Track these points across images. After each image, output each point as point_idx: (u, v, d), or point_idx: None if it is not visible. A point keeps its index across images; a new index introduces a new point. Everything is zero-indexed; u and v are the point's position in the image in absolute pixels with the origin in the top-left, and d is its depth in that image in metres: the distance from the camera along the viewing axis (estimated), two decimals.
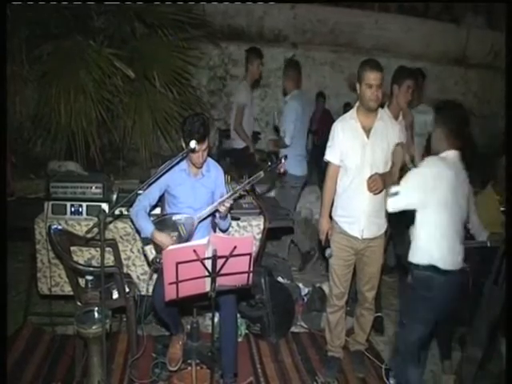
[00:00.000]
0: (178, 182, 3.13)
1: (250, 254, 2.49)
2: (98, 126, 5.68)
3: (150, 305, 3.46)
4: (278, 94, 8.12)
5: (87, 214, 3.54)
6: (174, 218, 3.09)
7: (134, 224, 3.17)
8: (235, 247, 2.44)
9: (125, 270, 3.53)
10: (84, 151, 5.50)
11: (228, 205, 3.04)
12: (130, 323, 3.24)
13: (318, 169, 6.44)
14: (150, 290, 3.38)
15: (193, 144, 2.70)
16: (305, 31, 8.12)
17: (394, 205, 2.78)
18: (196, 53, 6.83)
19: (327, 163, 3.31)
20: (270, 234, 3.79)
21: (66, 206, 3.53)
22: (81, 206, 3.55)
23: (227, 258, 2.45)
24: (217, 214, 3.17)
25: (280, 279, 4.12)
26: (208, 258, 2.45)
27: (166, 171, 3.00)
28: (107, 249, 3.51)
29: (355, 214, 3.19)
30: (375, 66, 3.05)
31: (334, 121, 4.98)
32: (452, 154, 2.74)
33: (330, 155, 3.27)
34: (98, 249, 3.50)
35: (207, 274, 2.49)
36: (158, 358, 3.31)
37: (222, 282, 2.56)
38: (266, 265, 4.03)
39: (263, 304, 3.64)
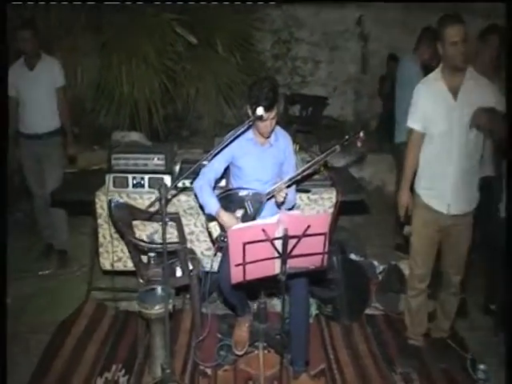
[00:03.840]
0: (243, 152, 2.88)
1: (325, 234, 2.22)
2: (161, 94, 5.54)
3: (214, 282, 3.27)
4: (346, 57, 7.67)
5: (149, 187, 3.37)
6: (241, 193, 2.86)
7: (197, 199, 2.96)
8: (309, 226, 2.17)
9: (188, 245, 3.36)
10: (147, 121, 5.39)
11: (284, 194, 2.76)
12: (193, 303, 3.08)
13: (389, 136, 6.01)
14: (215, 266, 3.21)
15: (260, 111, 2.42)
16: None
17: None
18: (259, 16, 6.51)
19: (409, 130, 2.96)
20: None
21: (127, 178, 3.38)
22: (143, 178, 3.38)
23: (299, 238, 2.19)
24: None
25: (353, 256, 3.83)
26: (278, 239, 2.20)
27: (231, 141, 2.76)
28: (170, 223, 3.35)
29: (441, 186, 2.84)
30: (456, 20, 2.68)
31: None
32: None
33: (413, 121, 2.93)
34: (161, 223, 3.36)
35: (277, 255, 2.25)
36: (224, 339, 3.15)
37: (293, 263, 2.31)
38: (338, 240, 3.74)
39: (336, 284, 3.37)
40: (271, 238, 2.18)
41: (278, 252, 2.24)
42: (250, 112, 2.73)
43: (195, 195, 2.99)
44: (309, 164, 2.81)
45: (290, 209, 3.14)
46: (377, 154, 6.11)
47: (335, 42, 7.64)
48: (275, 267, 2.31)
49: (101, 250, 3.43)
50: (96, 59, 5.54)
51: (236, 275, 2.27)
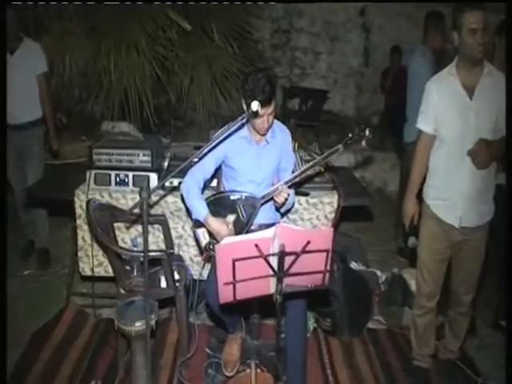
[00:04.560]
0: (237, 151, 2.59)
1: (327, 251, 1.94)
2: (153, 83, 5.24)
3: (204, 290, 2.98)
4: (348, 49, 7.37)
5: (134, 186, 3.08)
6: (233, 196, 2.57)
7: (184, 201, 2.68)
8: (309, 242, 1.88)
9: (176, 250, 3.08)
10: (138, 111, 5.09)
11: (285, 195, 2.46)
12: (180, 317, 2.77)
13: (392, 133, 5.74)
14: (204, 273, 2.94)
15: (255, 106, 2.09)
16: None
17: None
18: (258, 3, 6.18)
19: (418, 132, 2.68)
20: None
21: (110, 175, 3.08)
22: (127, 175, 3.09)
23: (298, 255, 1.91)
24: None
25: (353, 265, 3.55)
26: (273, 255, 1.92)
27: (224, 139, 2.47)
28: (156, 226, 3.07)
29: (452, 196, 2.56)
30: (476, 6, 2.38)
31: None
32: None
33: (423, 123, 2.64)
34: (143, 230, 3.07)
35: (272, 273, 1.97)
36: (213, 355, 2.87)
37: (290, 281, 2.03)
38: (338, 247, 3.45)
39: (335, 297, 3.09)
40: (265, 255, 1.90)
41: (273, 270, 1.95)
42: (244, 107, 2.44)
43: (182, 197, 2.70)
44: (309, 165, 2.49)
45: (287, 211, 2.88)
46: (379, 151, 5.83)
47: (336, 33, 7.36)
48: (270, 286, 2.03)
49: (80, 253, 3.13)
50: (85, 45, 5.24)
51: (225, 295, 1.99)
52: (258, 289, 2.03)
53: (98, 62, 4.90)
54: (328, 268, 2.00)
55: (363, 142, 2.48)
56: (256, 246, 1.86)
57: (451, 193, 2.56)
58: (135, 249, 2.89)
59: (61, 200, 3.24)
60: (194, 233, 2.66)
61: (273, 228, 1.88)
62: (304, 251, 1.91)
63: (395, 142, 5.43)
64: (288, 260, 1.94)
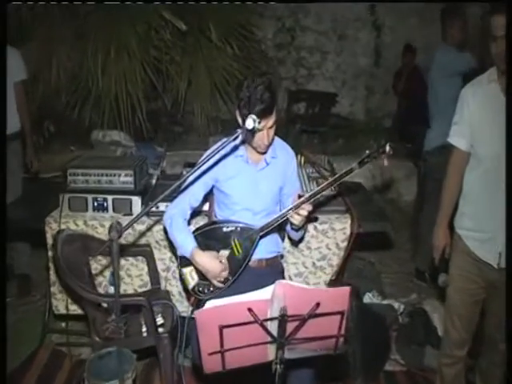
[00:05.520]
0: (231, 173, 2.17)
1: (342, 313, 1.51)
2: (146, 88, 4.86)
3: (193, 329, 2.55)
4: (357, 48, 6.94)
5: (114, 211, 2.66)
6: (226, 228, 2.14)
7: (167, 234, 2.26)
8: (318, 304, 1.45)
9: (163, 285, 2.66)
10: (130, 117, 4.73)
11: (305, 213, 2.02)
12: (164, 369, 2.31)
13: (406, 137, 5.30)
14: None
15: (251, 123, 1.63)
16: None
17: None
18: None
19: (451, 148, 2.24)
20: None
21: (86, 199, 2.66)
22: (106, 199, 2.67)
23: (304, 320, 1.48)
24: (288, 225, 2.19)
25: (368, 296, 3.11)
26: (273, 319, 1.49)
27: (215, 162, 2.06)
28: (140, 258, 2.66)
29: (490, 227, 2.11)
30: (500, 9, 1.95)
31: (424, 80, 3.91)
32: None
33: (456, 136, 2.20)
34: (130, 258, 2.66)
35: (270, 339, 1.54)
36: None
37: (294, 345, 1.60)
38: (350, 275, 3.03)
39: (349, 338, 2.66)
40: (261, 320, 1.47)
41: (272, 336, 1.53)
42: (239, 120, 2.03)
43: (164, 229, 2.28)
44: (319, 188, 2.05)
45: (301, 239, 2.48)
46: (391, 159, 5.40)
47: (345, 31, 6.95)
48: (268, 353, 1.60)
49: (53, 289, 2.71)
50: (72, 47, 4.87)
51: (210, 365, 1.56)
52: (254, 356, 1.60)
53: (85, 66, 4.53)
54: (342, 332, 1.57)
55: (385, 161, 2.06)
56: (249, 309, 1.44)
57: (489, 224, 2.11)
58: (112, 289, 2.48)
59: (33, 229, 2.83)
60: (180, 273, 2.23)
61: (271, 287, 1.45)
62: (312, 315, 1.48)
63: (409, 148, 5.00)
64: (292, 324, 1.51)
